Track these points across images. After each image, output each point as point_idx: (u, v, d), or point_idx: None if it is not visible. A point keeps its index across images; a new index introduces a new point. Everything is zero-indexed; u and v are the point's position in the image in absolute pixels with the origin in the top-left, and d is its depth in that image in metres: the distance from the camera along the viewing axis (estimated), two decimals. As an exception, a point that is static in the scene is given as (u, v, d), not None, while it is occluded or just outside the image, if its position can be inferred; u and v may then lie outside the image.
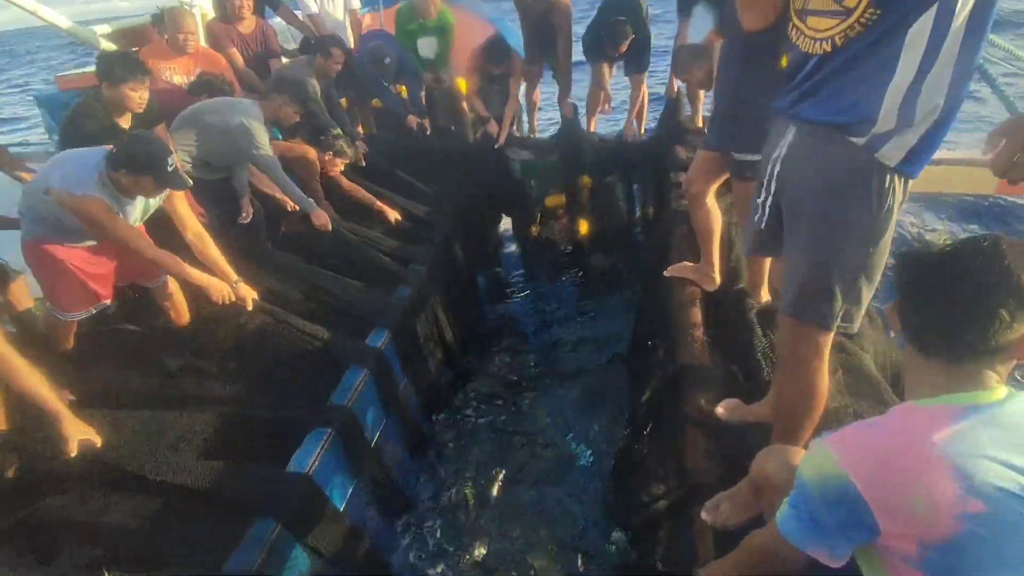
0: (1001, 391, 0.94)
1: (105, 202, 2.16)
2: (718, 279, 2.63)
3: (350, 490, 2.34)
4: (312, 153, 3.53)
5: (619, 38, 4.00)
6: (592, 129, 4.70)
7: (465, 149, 4.49)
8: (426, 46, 4.51)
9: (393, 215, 3.68)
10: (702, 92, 4.09)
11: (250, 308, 2.52)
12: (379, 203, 3.69)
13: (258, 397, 2.37)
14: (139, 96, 2.69)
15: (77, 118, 2.67)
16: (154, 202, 2.38)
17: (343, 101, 4.31)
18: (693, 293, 2.58)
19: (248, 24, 4.08)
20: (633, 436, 2.69)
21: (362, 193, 3.72)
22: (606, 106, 4.59)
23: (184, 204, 2.45)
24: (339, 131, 3.61)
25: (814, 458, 1.00)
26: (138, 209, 2.33)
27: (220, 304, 2.44)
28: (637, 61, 4.28)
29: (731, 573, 1.23)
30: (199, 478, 1.90)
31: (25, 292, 2.69)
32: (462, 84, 4.65)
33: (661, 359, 2.75)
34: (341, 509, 2.20)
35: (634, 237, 4.66)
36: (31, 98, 7.49)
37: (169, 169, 2.16)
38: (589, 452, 3.10)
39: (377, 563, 2.30)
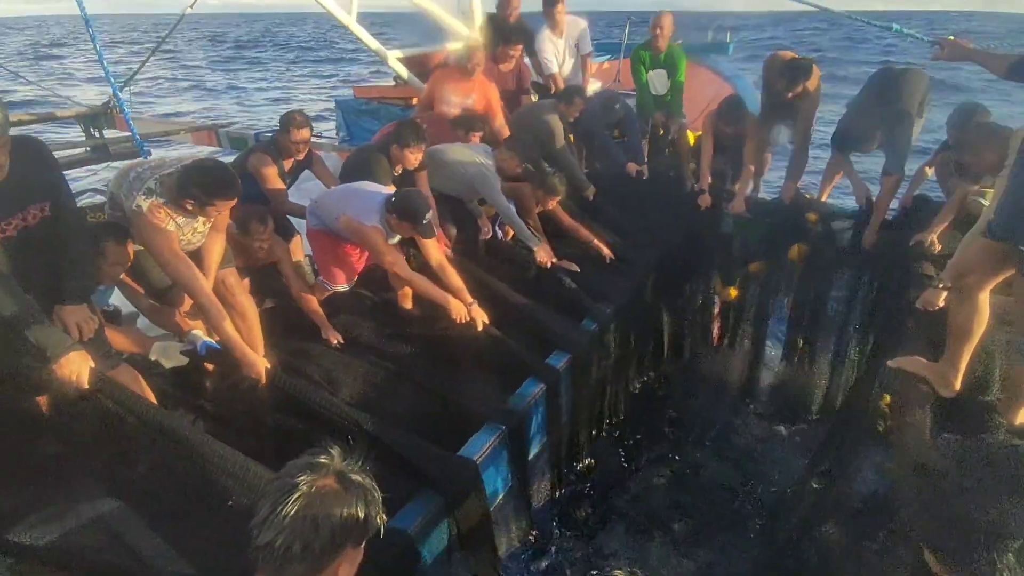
0: None
1: (383, 232, 2.78)
2: (958, 386, 2.25)
3: (501, 492, 2.46)
4: (527, 189, 3.80)
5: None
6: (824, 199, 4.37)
7: (680, 195, 4.45)
8: (657, 79, 4.67)
9: (607, 253, 3.80)
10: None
11: (480, 329, 2.89)
12: (596, 241, 3.83)
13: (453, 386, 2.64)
14: (415, 157, 3.33)
15: (371, 164, 3.31)
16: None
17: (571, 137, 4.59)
18: (925, 393, 2.24)
19: (508, 64, 4.60)
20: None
21: (582, 232, 3.86)
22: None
23: (433, 242, 2.92)
24: (552, 170, 3.85)
25: None
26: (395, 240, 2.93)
27: (458, 321, 2.84)
28: None
29: None
30: (393, 443, 2.13)
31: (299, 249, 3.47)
32: (691, 137, 4.66)
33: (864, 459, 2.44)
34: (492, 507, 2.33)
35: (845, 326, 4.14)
36: (332, 101, 9.42)
37: (424, 222, 2.73)
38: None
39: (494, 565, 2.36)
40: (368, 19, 5.30)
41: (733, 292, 4.44)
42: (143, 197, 2.23)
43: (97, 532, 1.66)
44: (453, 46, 4.66)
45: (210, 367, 2.45)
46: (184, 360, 2.49)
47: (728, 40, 8.71)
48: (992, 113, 3.45)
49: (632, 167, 4.52)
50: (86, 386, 1.77)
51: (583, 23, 4.97)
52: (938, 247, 3.30)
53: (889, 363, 2.42)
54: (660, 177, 4.62)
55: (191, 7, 5.51)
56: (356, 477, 1.05)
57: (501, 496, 2.52)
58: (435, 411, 2.50)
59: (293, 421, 2.23)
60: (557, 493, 3.07)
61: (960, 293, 2.19)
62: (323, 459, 1.04)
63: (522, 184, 3.84)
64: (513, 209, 3.58)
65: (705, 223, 4.32)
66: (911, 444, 2.02)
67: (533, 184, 3.76)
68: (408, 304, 3.18)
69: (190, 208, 2.25)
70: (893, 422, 2.25)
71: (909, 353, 2.45)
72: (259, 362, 2.28)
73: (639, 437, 3.71)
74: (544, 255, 3.55)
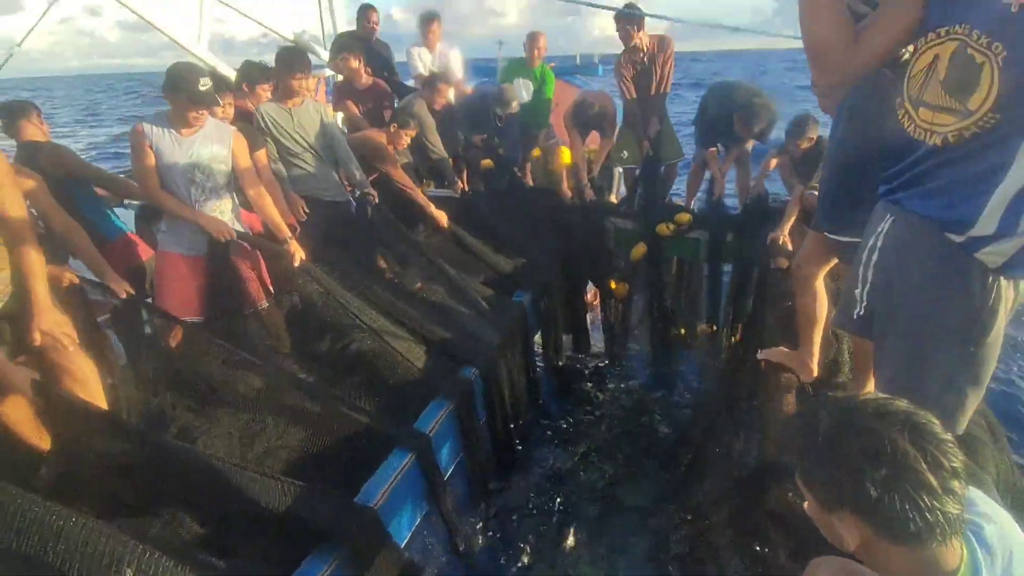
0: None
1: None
2: (816, 370, 2.51)
3: (418, 520, 2.35)
4: (381, 136, 3.74)
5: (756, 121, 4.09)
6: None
7: (561, 208, 4.60)
8: (524, 87, 4.84)
9: (443, 219, 3.75)
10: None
11: (296, 264, 2.69)
12: (432, 207, 3.75)
13: (348, 410, 2.43)
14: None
15: None
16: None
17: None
18: (788, 380, 2.47)
19: (364, 82, 4.52)
20: (698, 522, 2.57)
21: (418, 193, 3.77)
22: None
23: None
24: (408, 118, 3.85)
25: None
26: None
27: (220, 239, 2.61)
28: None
29: None
30: (276, 495, 1.89)
31: None
32: (566, 154, 4.86)
33: (742, 446, 2.63)
34: (407, 538, 2.22)
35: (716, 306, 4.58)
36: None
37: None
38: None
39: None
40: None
41: (621, 289, 4.67)
42: None
43: None
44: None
45: None
46: None
47: (597, 63, 9.33)
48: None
49: (487, 163, 4.64)
50: None
51: (458, 51, 5.10)
52: (789, 244, 3.68)
53: (758, 355, 2.64)
54: (540, 190, 4.79)
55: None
56: None
57: (416, 526, 2.40)
58: (328, 447, 2.31)
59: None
60: (479, 507, 2.99)
61: (799, 283, 2.43)
62: None
63: (367, 132, 3.79)
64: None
65: (589, 231, 4.51)
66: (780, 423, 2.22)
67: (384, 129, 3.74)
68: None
69: None
70: (764, 408, 2.45)
71: (772, 344, 2.70)
72: (20, 380, 1.87)
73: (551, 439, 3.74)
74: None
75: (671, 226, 4.34)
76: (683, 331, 4.75)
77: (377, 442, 2.32)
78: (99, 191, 3.10)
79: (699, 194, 4.96)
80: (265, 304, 2.82)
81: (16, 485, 1.61)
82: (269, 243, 2.80)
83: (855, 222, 1.67)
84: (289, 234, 2.77)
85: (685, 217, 4.37)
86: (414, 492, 2.34)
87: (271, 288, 2.90)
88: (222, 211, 2.71)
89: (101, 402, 2.13)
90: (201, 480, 1.86)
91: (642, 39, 4.33)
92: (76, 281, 2.45)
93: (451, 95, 4.65)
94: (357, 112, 4.44)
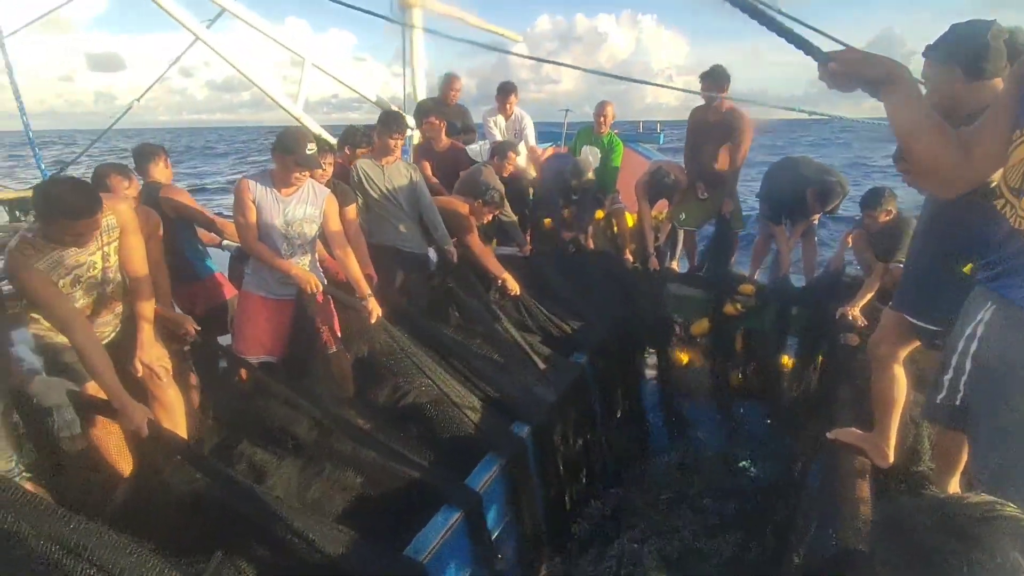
0: None
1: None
2: (892, 456, 2.35)
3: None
4: (465, 208, 3.84)
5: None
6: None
7: (623, 272, 4.63)
8: (591, 154, 4.98)
9: (515, 288, 3.76)
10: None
11: (373, 321, 2.80)
12: (505, 274, 3.78)
13: (402, 460, 2.45)
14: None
15: None
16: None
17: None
18: (862, 464, 2.32)
19: (443, 144, 4.78)
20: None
21: (493, 260, 3.84)
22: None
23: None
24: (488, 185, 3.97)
25: None
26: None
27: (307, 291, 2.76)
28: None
29: None
30: (332, 541, 1.93)
31: None
32: (629, 219, 4.93)
33: (813, 533, 2.46)
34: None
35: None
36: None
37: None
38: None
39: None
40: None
41: (684, 357, 4.59)
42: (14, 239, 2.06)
43: None
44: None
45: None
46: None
47: (659, 131, 9.60)
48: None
49: (567, 236, 4.71)
50: None
51: (529, 118, 5.37)
52: (860, 320, 3.53)
53: (827, 435, 2.50)
54: (602, 253, 4.82)
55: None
56: None
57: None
58: (379, 499, 2.33)
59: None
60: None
61: (876, 363, 2.30)
62: None
63: (453, 200, 3.89)
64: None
65: (647, 299, 4.49)
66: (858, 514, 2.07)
67: (468, 197, 3.83)
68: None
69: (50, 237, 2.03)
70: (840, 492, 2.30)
71: (844, 424, 2.55)
72: (139, 413, 2.04)
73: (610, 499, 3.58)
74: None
75: (738, 306, 4.30)
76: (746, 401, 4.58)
77: (428, 495, 2.33)
78: (201, 233, 3.38)
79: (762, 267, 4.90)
80: (334, 350, 2.93)
81: (90, 506, 1.74)
82: (351, 299, 2.93)
83: (940, 308, 1.62)
84: (369, 292, 2.90)
85: (748, 288, 4.30)
86: (462, 551, 2.32)
87: (338, 334, 3.02)
88: (305, 264, 2.89)
89: (183, 432, 2.27)
90: (263, 519, 1.92)
91: (722, 104, 4.38)
92: (192, 334, 2.60)
93: (519, 161, 4.86)
94: (431, 174, 4.68)
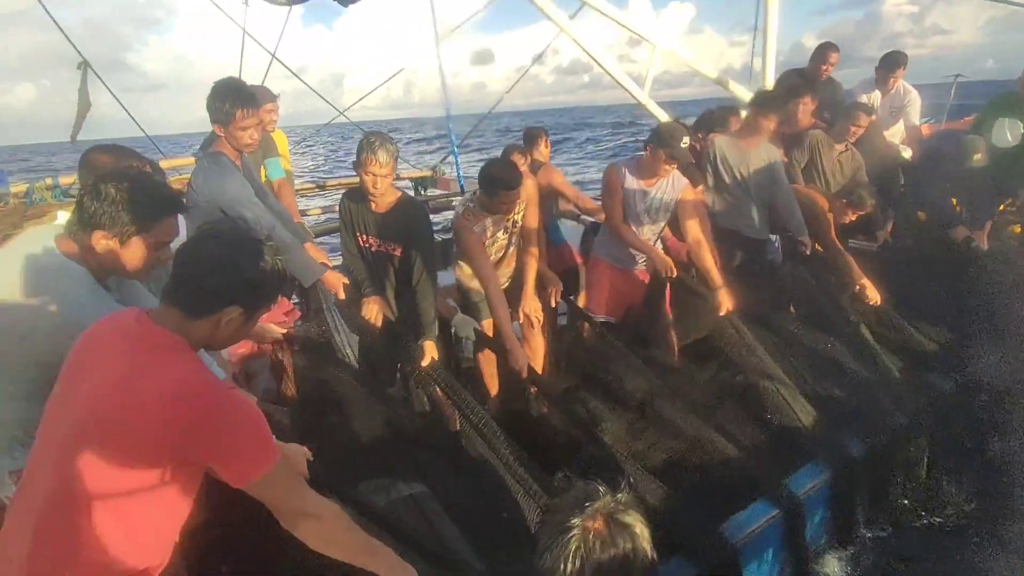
0: None
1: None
2: None
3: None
4: (825, 203, 3.56)
5: None
6: None
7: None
8: (1010, 128, 3.90)
9: (876, 297, 3.29)
10: None
11: (722, 313, 2.92)
12: (864, 279, 3.34)
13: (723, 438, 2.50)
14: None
15: None
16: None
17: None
18: None
19: (804, 125, 4.15)
20: None
21: (851, 263, 3.43)
22: None
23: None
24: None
25: None
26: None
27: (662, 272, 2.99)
28: None
29: None
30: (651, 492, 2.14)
31: None
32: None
33: None
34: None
35: None
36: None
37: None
38: None
39: None
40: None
41: None
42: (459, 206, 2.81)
43: (410, 509, 1.97)
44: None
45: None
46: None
47: None
48: None
49: (962, 231, 3.84)
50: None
51: (915, 93, 4.59)
52: None
53: None
54: (998, 257, 3.80)
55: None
56: (625, 518, 1.10)
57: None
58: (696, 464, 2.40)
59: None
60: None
61: None
62: (594, 500, 1.11)
63: (813, 192, 3.62)
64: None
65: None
66: None
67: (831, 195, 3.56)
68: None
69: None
70: None
71: None
72: (522, 356, 2.53)
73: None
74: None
75: None
76: None
77: (744, 480, 2.32)
78: (563, 206, 3.94)
79: None
80: (671, 318, 3.15)
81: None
82: (701, 289, 3.07)
83: None
84: (720, 283, 2.97)
85: None
86: (775, 550, 2.26)
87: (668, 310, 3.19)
88: (648, 238, 3.15)
89: (539, 369, 2.87)
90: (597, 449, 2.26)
91: None
92: (558, 295, 3.14)
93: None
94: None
